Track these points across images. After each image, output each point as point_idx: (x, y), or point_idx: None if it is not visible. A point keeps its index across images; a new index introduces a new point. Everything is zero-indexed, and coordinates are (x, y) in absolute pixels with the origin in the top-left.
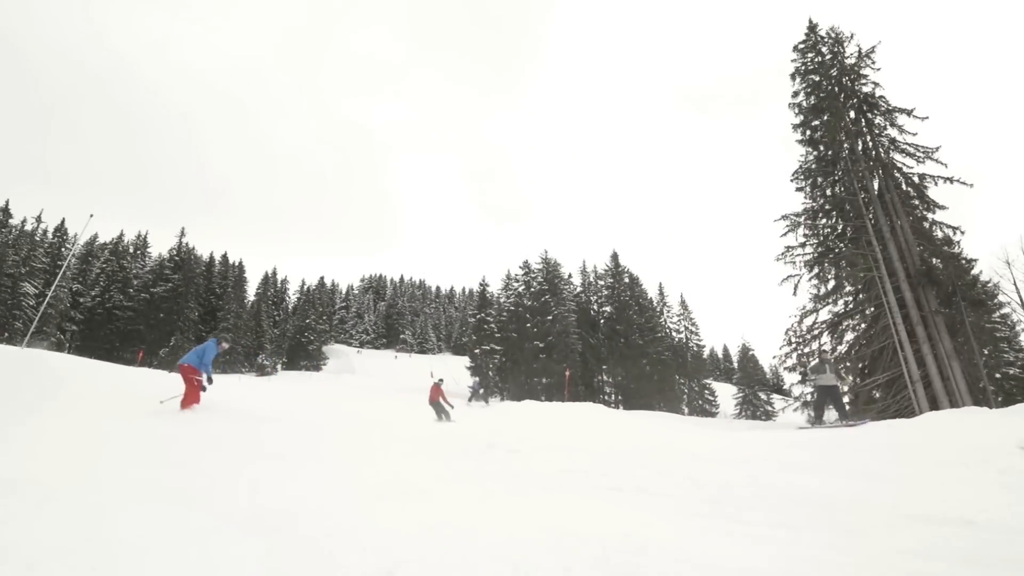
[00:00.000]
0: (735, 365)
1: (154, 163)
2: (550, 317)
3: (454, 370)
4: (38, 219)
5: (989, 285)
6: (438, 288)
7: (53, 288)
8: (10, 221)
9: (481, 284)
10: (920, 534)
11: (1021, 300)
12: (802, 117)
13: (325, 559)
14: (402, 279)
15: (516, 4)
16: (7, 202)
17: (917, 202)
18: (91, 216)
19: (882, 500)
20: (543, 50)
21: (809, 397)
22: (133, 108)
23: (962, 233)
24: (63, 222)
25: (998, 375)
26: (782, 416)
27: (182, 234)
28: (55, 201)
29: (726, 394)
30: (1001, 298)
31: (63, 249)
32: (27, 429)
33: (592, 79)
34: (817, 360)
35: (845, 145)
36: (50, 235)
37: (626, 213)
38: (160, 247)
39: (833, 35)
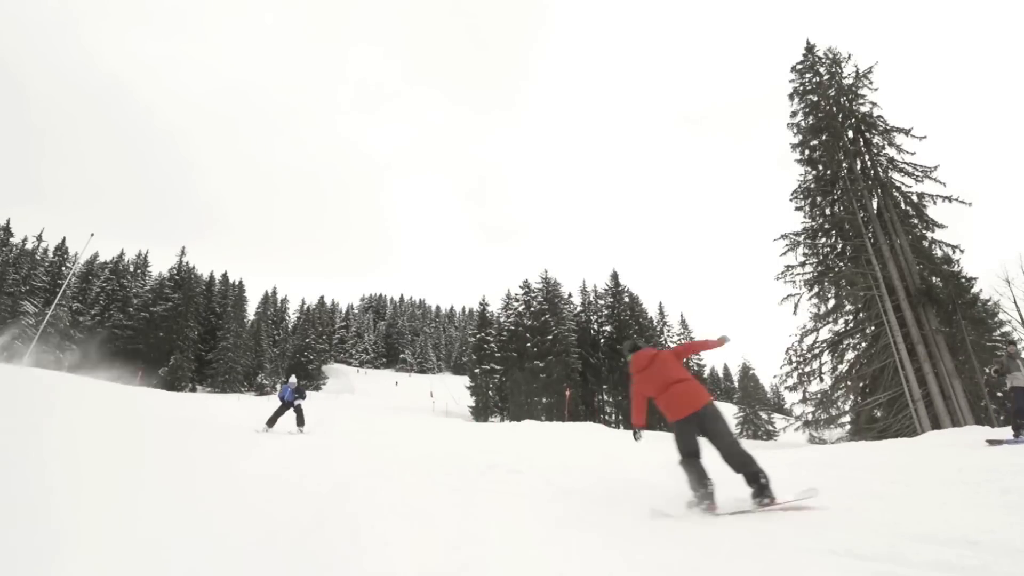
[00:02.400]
0: (735, 384)
1: (154, 183)
2: (550, 336)
3: (453, 389)
4: (39, 238)
5: (989, 303)
6: (438, 308)
7: (53, 307)
8: (11, 240)
9: (481, 304)
10: (923, 555)
11: (1021, 318)
12: (801, 137)
13: None
14: (402, 299)
15: (510, 23)
16: (8, 221)
17: (916, 221)
18: (92, 235)
19: (884, 520)
20: (538, 68)
21: (811, 416)
22: (130, 129)
23: (961, 252)
24: (64, 241)
25: (999, 393)
26: (783, 436)
27: (182, 253)
28: (56, 221)
29: (727, 413)
30: (1002, 316)
31: (63, 268)
32: None
33: (588, 95)
34: (1005, 354)
35: (844, 165)
36: (51, 254)
37: (625, 231)
38: (160, 266)
39: (831, 56)
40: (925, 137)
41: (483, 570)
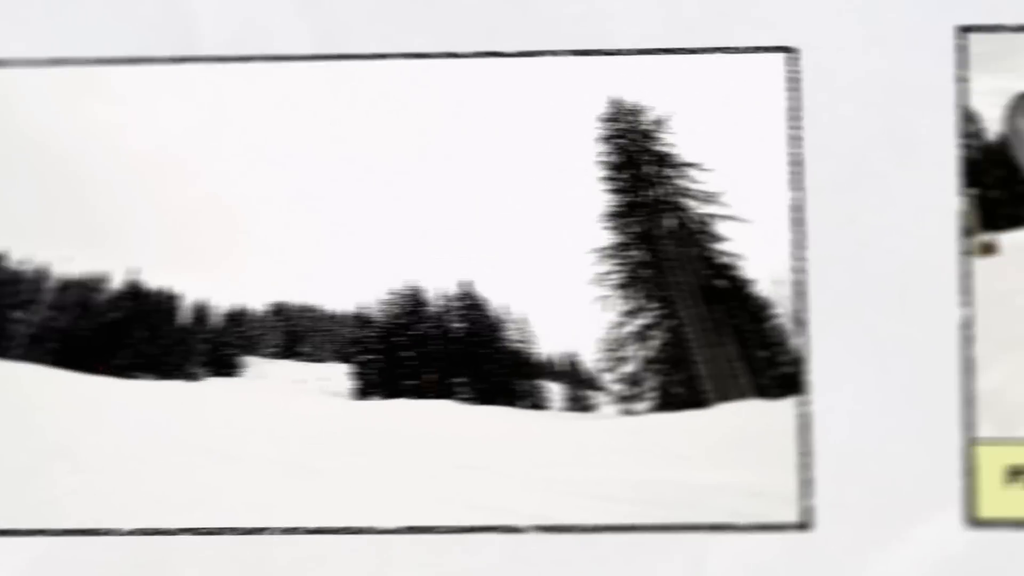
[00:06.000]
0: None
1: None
2: None
3: None
4: None
5: (766, 299)
6: None
7: None
8: None
9: None
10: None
11: (790, 312)
12: (612, 172)
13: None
14: None
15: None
16: None
17: (705, 236)
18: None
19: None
20: None
21: (627, 393)
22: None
23: (743, 259)
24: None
25: None
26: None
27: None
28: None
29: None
30: (777, 310)
31: None
32: None
33: None
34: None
35: (647, 193)
36: None
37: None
38: None
39: (633, 107)
40: (713, 170)
41: None
